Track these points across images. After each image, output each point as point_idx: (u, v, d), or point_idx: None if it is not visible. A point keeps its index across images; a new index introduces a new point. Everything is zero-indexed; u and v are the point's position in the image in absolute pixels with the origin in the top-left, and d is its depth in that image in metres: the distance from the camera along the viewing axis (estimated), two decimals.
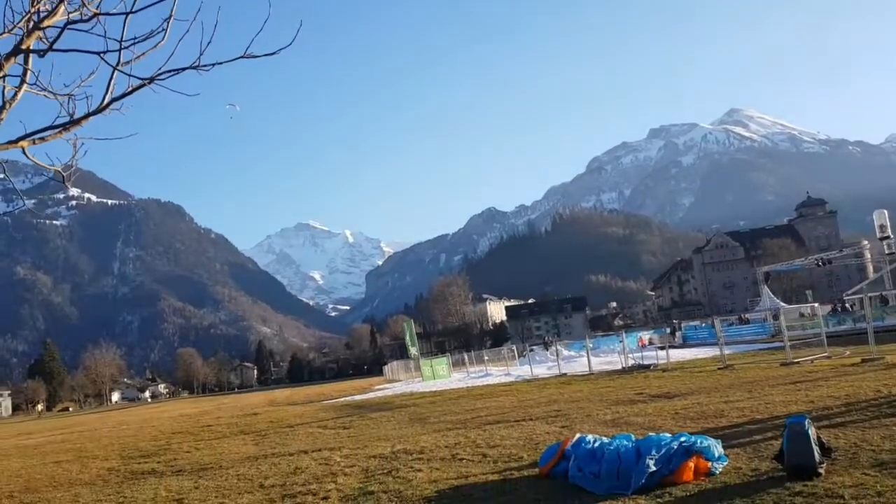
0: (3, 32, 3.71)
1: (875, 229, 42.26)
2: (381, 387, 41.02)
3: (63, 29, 3.83)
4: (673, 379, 18.26)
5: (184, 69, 3.87)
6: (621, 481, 6.19)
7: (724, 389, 13.90)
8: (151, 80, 3.88)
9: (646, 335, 47.62)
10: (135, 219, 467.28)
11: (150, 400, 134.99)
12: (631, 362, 25.08)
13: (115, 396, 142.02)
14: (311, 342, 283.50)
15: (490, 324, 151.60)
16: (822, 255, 47.88)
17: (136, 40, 3.81)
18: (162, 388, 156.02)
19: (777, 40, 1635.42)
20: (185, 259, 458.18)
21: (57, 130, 3.94)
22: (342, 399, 31.04)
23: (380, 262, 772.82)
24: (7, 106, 3.79)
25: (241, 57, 3.94)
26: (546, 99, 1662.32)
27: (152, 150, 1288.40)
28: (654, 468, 6.20)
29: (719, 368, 19.43)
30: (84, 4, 3.75)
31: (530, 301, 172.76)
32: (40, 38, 3.82)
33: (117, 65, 3.84)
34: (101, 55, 3.84)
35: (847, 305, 45.56)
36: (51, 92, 3.97)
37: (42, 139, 3.90)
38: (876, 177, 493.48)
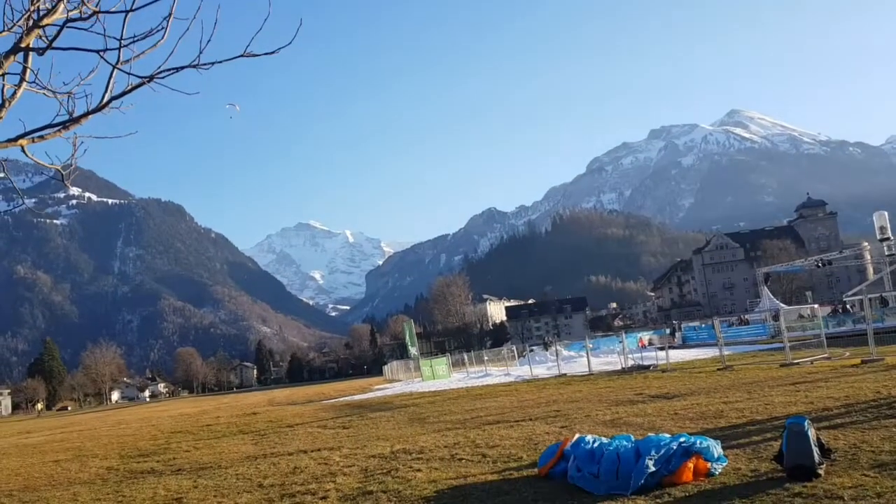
0: (3, 30, 3.71)
1: (875, 231, 42.36)
2: (381, 387, 41.02)
3: (62, 27, 3.82)
4: (672, 379, 18.24)
5: (183, 67, 3.87)
6: (620, 482, 6.18)
7: (724, 390, 13.89)
8: (151, 78, 3.87)
9: (645, 336, 47.65)
10: (135, 218, 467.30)
11: (149, 399, 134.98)
12: (630, 363, 25.06)
13: (115, 395, 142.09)
14: (310, 342, 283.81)
15: (490, 324, 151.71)
16: (822, 257, 47.90)
17: (136, 38, 3.81)
18: (161, 387, 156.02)
19: (777, 41, 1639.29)
20: (185, 258, 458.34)
21: (56, 129, 3.93)
22: (342, 399, 31.03)
23: (380, 262, 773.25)
24: (6, 104, 3.79)
25: (241, 56, 3.94)
26: (547, 99, 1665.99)
27: (153, 150, 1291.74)
28: (653, 469, 6.20)
29: (719, 369, 19.41)
30: (84, 2, 3.75)
31: (530, 301, 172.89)
32: (40, 36, 3.81)
33: (117, 63, 3.84)
34: (101, 53, 3.84)
35: (847, 307, 45.58)
36: (50, 90, 3.97)
37: (41, 137, 3.90)
38: (876, 178, 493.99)
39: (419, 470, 8.37)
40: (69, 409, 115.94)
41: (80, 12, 3.77)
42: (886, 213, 41.93)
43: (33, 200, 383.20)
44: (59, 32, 3.83)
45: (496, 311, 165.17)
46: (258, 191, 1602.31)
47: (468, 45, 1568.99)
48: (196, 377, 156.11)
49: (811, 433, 6.00)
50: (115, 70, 3.85)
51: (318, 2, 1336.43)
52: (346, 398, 31.14)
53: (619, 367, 25.36)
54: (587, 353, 29.41)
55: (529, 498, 6.36)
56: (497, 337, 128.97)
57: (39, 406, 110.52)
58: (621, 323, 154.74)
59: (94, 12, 3.74)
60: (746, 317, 51.09)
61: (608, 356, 34.40)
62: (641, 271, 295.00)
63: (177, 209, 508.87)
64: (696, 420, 10.11)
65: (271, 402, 37.79)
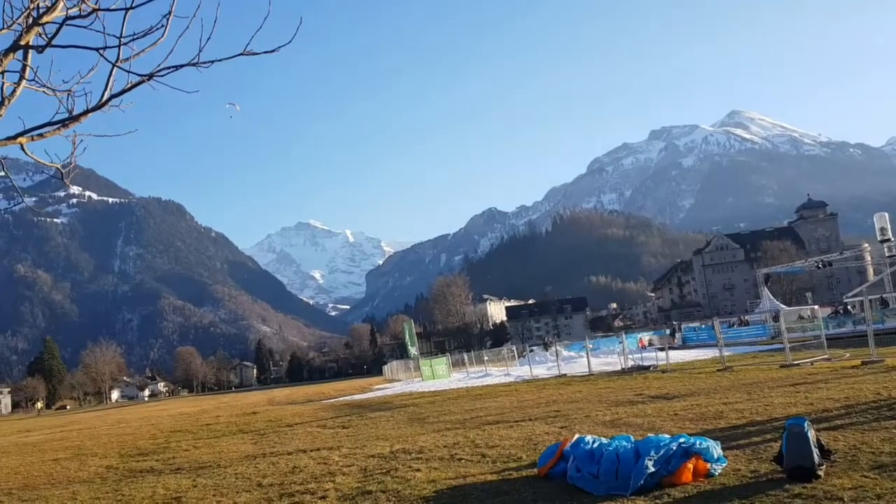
0: (2, 28, 3.70)
1: (876, 232, 42.38)
2: (381, 386, 41.02)
3: (62, 25, 3.82)
4: (672, 380, 18.24)
5: (183, 66, 3.86)
6: (620, 482, 6.17)
7: (724, 391, 13.89)
8: (151, 76, 3.87)
9: (645, 336, 47.61)
10: (135, 217, 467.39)
11: (148, 398, 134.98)
12: (630, 363, 25.05)
13: (115, 394, 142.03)
14: (310, 341, 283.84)
15: (490, 324, 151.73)
16: (822, 258, 47.91)
17: (136, 36, 3.80)
18: (161, 386, 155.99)
19: (777, 41, 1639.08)
20: (185, 258, 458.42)
21: (56, 127, 3.93)
22: (341, 398, 31.03)
23: (380, 262, 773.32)
24: (6, 102, 3.78)
25: (241, 54, 3.93)
26: (547, 99, 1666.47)
27: (153, 149, 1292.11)
28: (652, 469, 6.19)
29: (719, 370, 19.41)
30: (83, 0, 3.74)
31: (530, 301, 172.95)
32: (39, 34, 3.81)
33: (116, 61, 3.83)
34: (101, 51, 3.83)
35: (847, 308, 45.57)
36: (50, 88, 3.96)
37: (41, 135, 3.89)
38: (877, 179, 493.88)
39: (418, 470, 8.37)
40: (69, 407, 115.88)
41: (80, 10, 3.76)
42: (887, 215, 41.98)
43: (33, 199, 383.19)
44: (58, 30, 3.83)
45: (496, 311, 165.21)
46: (258, 190, 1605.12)
47: (468, 45, 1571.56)
48: (196, 376, 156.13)
49: (811, 434, 6.00)
50: (115, 68, 3.84)
51: (318, 1, 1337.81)
52: (346, 398, 31.13)
53: (618, 368, 25.35)
54: (587, 354, 29.40)
55: (529, 498, 6.36)
56: (497, 337, 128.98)
57: (39, 405, 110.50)
58: (621, 323, 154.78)
59: (94, 10, 3.74)
60: (746, 318, 51.07)
61: (608, 357, 34.38)
62: (642, 272, 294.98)
63: (177, 208, 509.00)
64: (696, 421, 10.10)
65: (271, 401, 37.79)
